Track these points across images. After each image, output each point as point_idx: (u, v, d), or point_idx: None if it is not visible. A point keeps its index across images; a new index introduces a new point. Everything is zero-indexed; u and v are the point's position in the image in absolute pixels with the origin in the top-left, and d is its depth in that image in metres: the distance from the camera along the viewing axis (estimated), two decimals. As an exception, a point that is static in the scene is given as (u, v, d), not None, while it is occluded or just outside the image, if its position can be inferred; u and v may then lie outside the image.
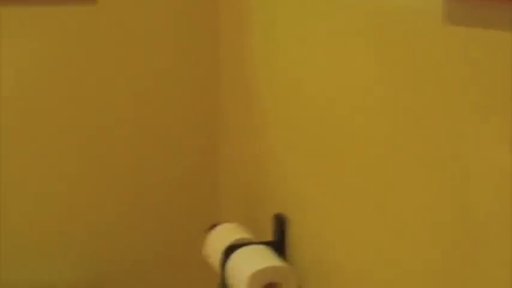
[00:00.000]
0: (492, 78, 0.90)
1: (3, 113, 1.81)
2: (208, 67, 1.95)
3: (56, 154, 1.88)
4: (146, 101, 1.92)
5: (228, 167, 1.94)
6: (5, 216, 1.86)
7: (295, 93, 1.49)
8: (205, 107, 1.97)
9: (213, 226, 1.72)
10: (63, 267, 1.94)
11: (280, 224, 1.53)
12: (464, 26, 0.95)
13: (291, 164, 1.52)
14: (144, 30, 1.89)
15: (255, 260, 1.43)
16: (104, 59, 1.87)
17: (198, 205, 2.01)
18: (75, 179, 1.90)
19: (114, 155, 1.92)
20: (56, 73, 1.85)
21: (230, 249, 1.52)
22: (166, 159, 1.96)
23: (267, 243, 1.54)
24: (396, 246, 1.13)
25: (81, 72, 1.86)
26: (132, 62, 1.90)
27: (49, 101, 1.85)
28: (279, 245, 1.54)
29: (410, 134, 1.08)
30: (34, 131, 1.85)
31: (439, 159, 1.01)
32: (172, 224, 2.00)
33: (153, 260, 2.01)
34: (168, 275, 2.03)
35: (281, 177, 1.57)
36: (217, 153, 1.99)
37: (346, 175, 1.29)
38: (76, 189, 1.91)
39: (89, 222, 1.93)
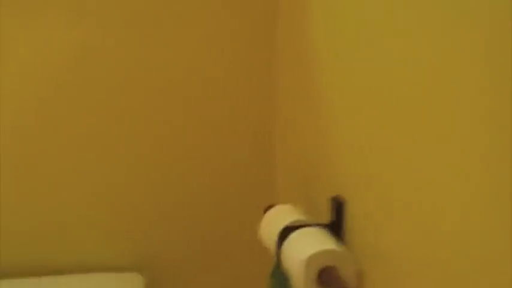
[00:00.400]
0: None
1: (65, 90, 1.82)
2: (266, 42, 1.92)
3: (113, 137, 1.87)
4: (203, 79, 1.90)
5: (285, 148, 1.91)
6: (58, 197, 1.87)
7: (356, 69, 1.44)
8: (261, 86, 1.94)
9: (269, 207, 1.69)
10: (117, 249, 1.95)
11: (338, 206, 1.50)
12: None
13: (349, 144, 1.48)
14: (200, 5, 1.87)
15: (312, 242, 1.39)
16: (160, 36, 1.86)
17: (254, 186, 1.98)
18: (131, 159, 1.89)
19: (169, 135, 1.90)
20: (119, 56, 1.84)
21: (286, 231, 1.48)
22: (223, 140, 1.94)
23: (323, 226, 1.50)
24: (463, 229, 1.09)
25: (136, 50, 1.85)
26: (190, 38, 1.87)
27: (116, 87, 1.85)
28: (336, 227, 1.50)
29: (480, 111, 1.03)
30: (95, 118, 1.85)
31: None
32: (227, 205, 1.98)
33: (208, 242, 1.99)
34: (224, 257, 2.01)
35: (339, 158, 1.53)
36: (273, 134, 1.96)
37: (409, 156, 1.24)
38: (132, 169, 1.90)
39: (144, 203, 1.93)
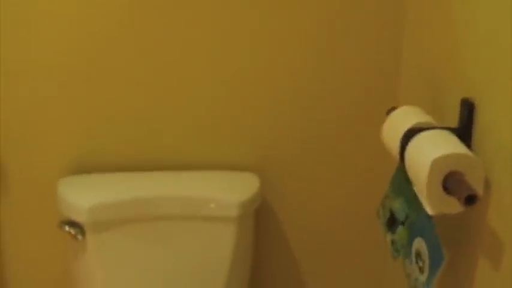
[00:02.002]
0: None
1: None
2: None
3: (239, 40, 1.84)
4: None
5: (411, 46, 1.81)
6: (184, 98, 1.87)
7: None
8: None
9: (392, 109, 1.62)
10: (235, 149, 1.94)
11: (467, 109, 1.40)
12: None
13: (481, 42, 1.37)
14: None
15: (438, 145, 1.32)
16: None
17: (376, 87, 1.91)
18: (253, 62, 1.87)
19: (294, 38, 1.85)
20: None
21: (411, 133, 1.41)
22: (347, 40, 1.87)
23: (451, 129, 1.42)
24: None
25: None
26: None
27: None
28: (464, 131, 1.41)
29: None
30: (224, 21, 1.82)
31: None
32: (348, 107, 1.92)
33: (326, 145, 1.95)
34: (342, 161, 1.98)
35: (470, 57, 1.43)
36: (399, 32, 1.87)
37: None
38: (253, 73, 1.88)
39: (265, 105, 1.91)
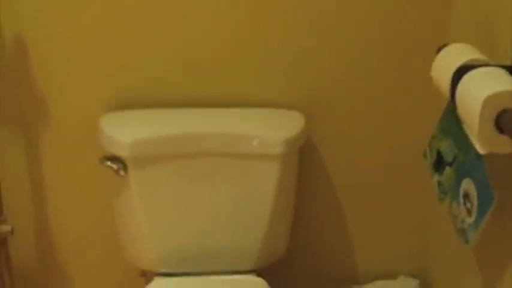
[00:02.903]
0: None
1: None
2: None
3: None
4: None
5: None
6: (231, 34, 1.85)
7: None
8: None
9: (443, 47, 1.56)
10: (281, 87, 1.91)
11: (523, 45, 1.35)
12: None
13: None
14: None
15: (492, 82, 1.26)
16: None
17: (427, 23, 1.85)
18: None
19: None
20: None
21: (463, 70, 1.36)
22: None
23: (505, 67, 1.36)
24: None
25: None
26: None
27: None
28: (519, 70, 1.35)
29: None
30: None
31: None
32: (396, 45, 1.87)
33: (374, 84, 1.91)
34: (389, 98, 1.94)
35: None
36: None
37: None
38: (300, 12, 1.84)
39: (311, 43, 1.87)
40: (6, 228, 1.78)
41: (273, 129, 1.80)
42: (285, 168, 1.80)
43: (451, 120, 1.54)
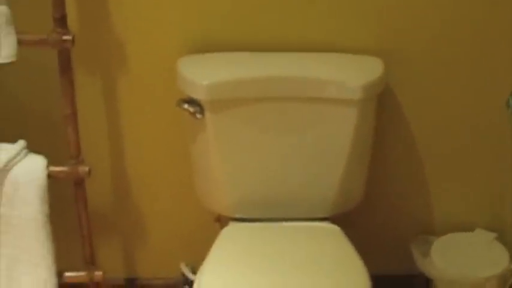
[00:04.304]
0: None
1: None
2: None
3: None
4: None
5: None
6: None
7: None
8: None
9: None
10: (360, 33, 1.87)
11: None
12: None
13: None
14: None
15: None
16: None
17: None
18: None
19: None
20: None
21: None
22: None
23: None
24: None
25: None
26: None
27: None
28: None
29: None
30: None
31: None
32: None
33: (456, 28, 1.86)
34: (472, 45, 1.88)
35: None
36: None
37: None
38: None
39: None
40: (83, 169, 1.79)
41: (352, 74, 1.77)
42: (363, 114, 1.77)
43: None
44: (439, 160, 2.02)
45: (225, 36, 1.85)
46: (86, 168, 1.79)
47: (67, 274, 1.87)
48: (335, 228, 1.84)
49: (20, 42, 1.66)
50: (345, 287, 1.65)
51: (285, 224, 1.86)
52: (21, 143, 1.77)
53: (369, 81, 1.75)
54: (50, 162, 1.76)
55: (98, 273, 1.88)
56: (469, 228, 2.06)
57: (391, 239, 2.10)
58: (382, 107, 1.88)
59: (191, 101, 1.74)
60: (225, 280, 1.66)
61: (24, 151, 1.77)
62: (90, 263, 1.89)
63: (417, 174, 2.03)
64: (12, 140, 1.77)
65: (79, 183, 1.81)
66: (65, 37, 1.68)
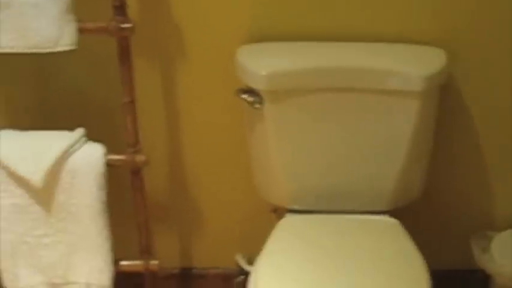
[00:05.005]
0: None
1: None
2: None
3: None
4: None
5: None
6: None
7: None
8: None
9: None
10: (421, 24, 1.83)
11: None
12: None
13: None
14: None
15: None
16: None
17: None
18: None
19: None
20: None
21: None
22: None
23: None
24: None
25: None
26: None
27: None
28: None
29: None
30: None
31: None
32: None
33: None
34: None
35: None
36: None
37: None
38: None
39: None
40: (141, 158, 1.79)
41: (414, 65, 1.73)
42: (425, 106, 1.73)
43: None
44: (502, 154, 1.97)
45: (286, 25, 1.82)
46: (144, 157, 1.79)
47: (123, 263, 1.88)
48: (394, 222, 1.81)
49: (80, 30, 1.66)
50: (404, 282, 1.62)
51: (342, 216, 1.83)
52: (80, 130, 1.78)
53: (431, 73, 1.71)
54: (108, 151, 1.77)
55: (154, 263, 1.89)
56: (530, 225, 2.01)
57: (450, 234, 2.06)
58: (445, 98, 1.83)
59: (250, 91, 1.72)
60: (281, 272, 1.64)
61: (83, 139, 1.77)
62: (146, 252, 1.89)
63: (479, 168, 1.99)
64: (71, 128, 1.78)
65: (136, 171, 1.81)
66: (125, 25, 1.67)
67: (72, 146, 1.75)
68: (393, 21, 1.82)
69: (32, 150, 1.74)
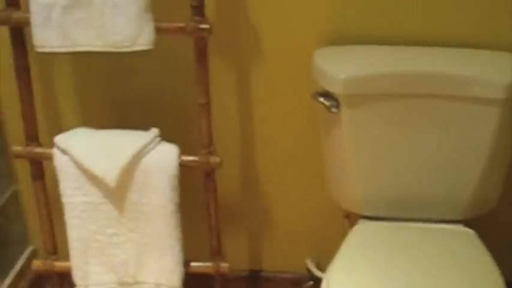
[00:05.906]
0: None
1: None
2: None
3: None
4: None
5: None
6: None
7: None
8: None
9: None
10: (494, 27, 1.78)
11: None
12: None
13: None
14: None
15: None
16: None
17: None
18: None
19: None
20: None
21: None
22: None
23: None
24: None
25: None
26: None
27: None
28: None
29: None
30: None
31: None
32: None
33: None
34: None
35: None
36: None
37: None
38: None
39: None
40: (215, 159, 1.78)
41: (495, 72, 1.68)
42: (506, 114, 1.68)
43: None
44: None
45: (364, 29, 1.79)
46: (218, 159, 1.78)
47: (193, 264, 1.88)
48: (470, 232, 1.77)
49: (157, 30, 1.66)
50: (480, 295, 1.58)
51: (417, 224, 1.79)
52: (155, 131, 1.78)
53: (513, 80, 1.67)
54: (182, 151, 1.76)
55: (224, 265, 1.88)
56: None
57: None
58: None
59: (327, 95, 1.70)
60: (355, 280, 1.61)
61: (157, 139, 1.77)
62: (217, 254, 1.89)
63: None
64: (146, 128, 1.78)
65: (210, 173, 1.80)
66: (202, 26, 1.66)
67: (146, 145, 1.75)
68: (475, 26, 1.78)
69: (107, 148, 1.75)
